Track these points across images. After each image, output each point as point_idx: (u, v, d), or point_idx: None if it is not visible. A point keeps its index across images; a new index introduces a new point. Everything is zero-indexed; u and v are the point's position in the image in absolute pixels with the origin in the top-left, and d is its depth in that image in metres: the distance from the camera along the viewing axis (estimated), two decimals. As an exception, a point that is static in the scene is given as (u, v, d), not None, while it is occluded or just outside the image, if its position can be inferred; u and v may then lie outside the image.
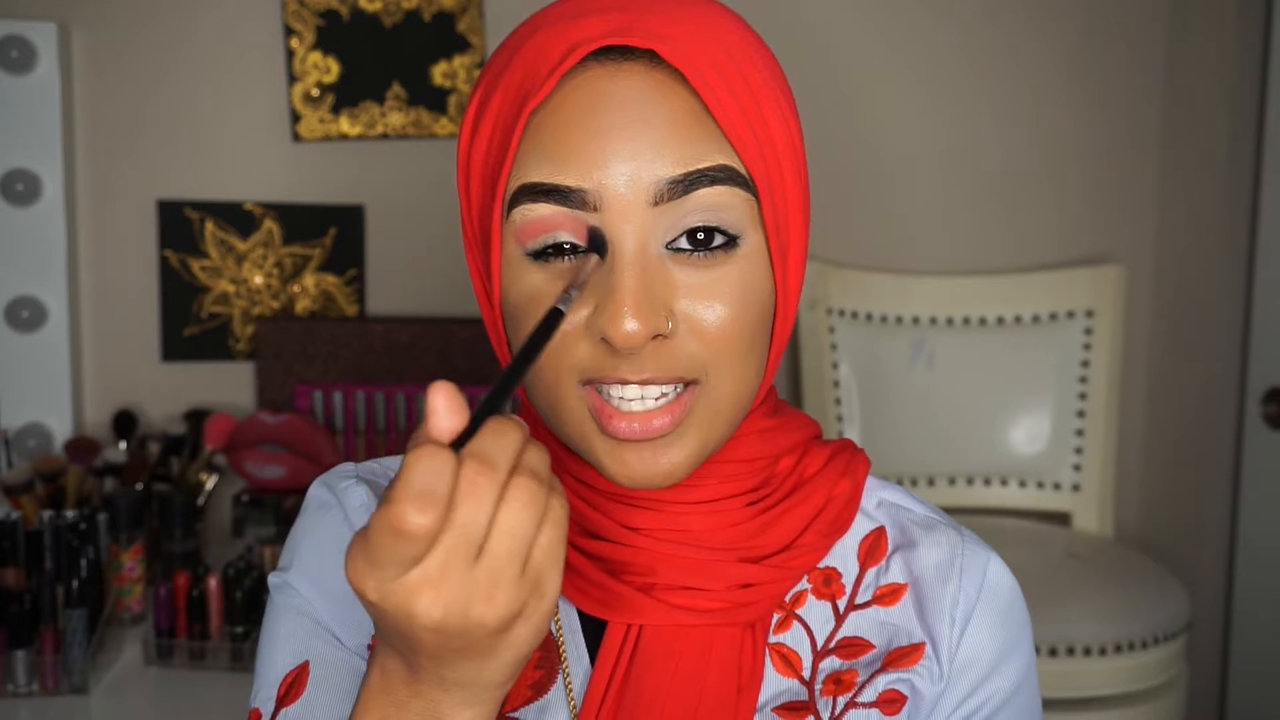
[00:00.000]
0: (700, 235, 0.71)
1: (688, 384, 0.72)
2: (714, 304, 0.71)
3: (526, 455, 0.59)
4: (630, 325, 0.68)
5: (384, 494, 0.56)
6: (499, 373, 0.70)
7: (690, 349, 0.71)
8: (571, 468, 0.79)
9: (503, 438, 0.58)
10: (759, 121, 0.72)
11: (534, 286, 0.72)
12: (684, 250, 0.71)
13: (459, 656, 0.59)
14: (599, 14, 0.72)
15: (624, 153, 0.69)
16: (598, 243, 0.70)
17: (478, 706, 0.62)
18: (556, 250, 0.71)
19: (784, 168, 0.74)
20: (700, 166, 0.70)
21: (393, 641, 0.61)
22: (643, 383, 0.71)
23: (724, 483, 0.78)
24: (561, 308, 0.65)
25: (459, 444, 0.57)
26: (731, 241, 0.72)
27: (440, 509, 0.55)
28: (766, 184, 0.73)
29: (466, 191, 0.76)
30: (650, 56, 0.71)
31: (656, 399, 0.71)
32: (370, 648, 0.81)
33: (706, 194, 0.70)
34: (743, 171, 0.72)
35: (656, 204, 0.70)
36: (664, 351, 0.71)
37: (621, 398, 0.71)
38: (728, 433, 0.75)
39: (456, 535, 0.56)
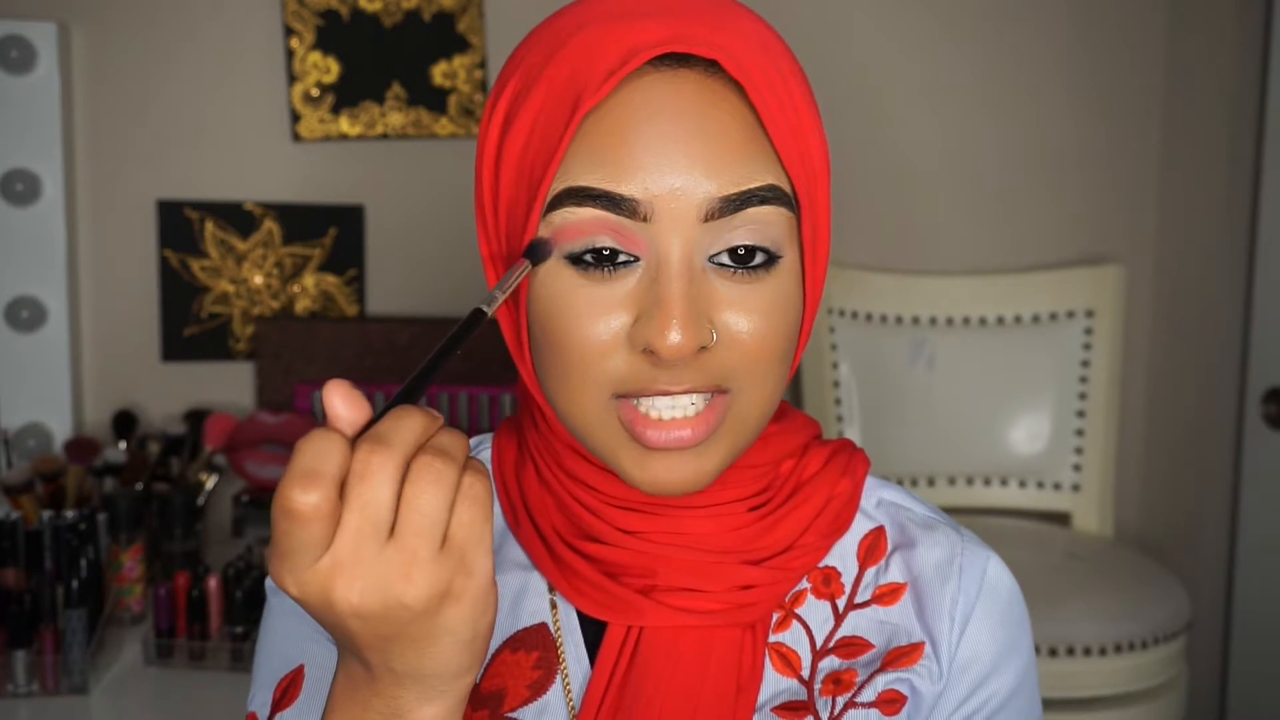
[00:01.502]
0: (742, 252, 0.71)
1: (717, 393, 0.72)
2: (752, 317, 0.71)
3: (436, 438, 0.59)
4: (677, 337, 0.68)
5: None
6: (507, 373, 0.70)
7: (726, 360, 0.71)
8: (574, 470, 0.79)
9: (401, 420, 0.58)
10: (803, 138, 0.72)
11: (575, 296, 0.71)
12: (727, 266, 0.71)
13: (392, 644, 0.59)
14: (652, 17, 0.70)
15: (679, 165, 0.69)
16: (539, 252, 0.70)
17: (438, 701, 0.62)
18: (598, 258, 0.70)
19: (819, 184, 0.74)
20: (751, 186, 0.70)
21: (335, 638, 0.61)
22: (682, 393, 0.71)
23: (727, 488, 0.78)
24: (484, 309, 0.65)
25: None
26: (773, 259, 0.72)
27: (325, 487, 0.55)
28: (809, 201, 0.73)
29: (495, 186, 0.74)
30: (705, 66, 0.70)
31: (688, 406, 0.71)
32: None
33: (755, 212, 0.70)
34: (788, 190, 0.72)
35: (707, 220, 0.69)
36: (702, 362, 0.70)
37: (654, 406, 0.71)
38: (752, 441, 0.75)
39: (359, 515, 0.56)
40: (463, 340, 0.63)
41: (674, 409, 0.71)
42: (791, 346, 0.74)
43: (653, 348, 0.68)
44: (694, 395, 0.71)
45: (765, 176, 0.70)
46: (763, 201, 0.70)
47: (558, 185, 0.70)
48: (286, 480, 0.55)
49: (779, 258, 0.72)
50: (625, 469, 0.72)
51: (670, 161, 0.68)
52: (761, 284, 0.71)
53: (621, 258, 0.70)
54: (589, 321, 0.70)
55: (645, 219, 0.69)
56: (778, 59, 0.73)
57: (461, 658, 0.60)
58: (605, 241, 0.70)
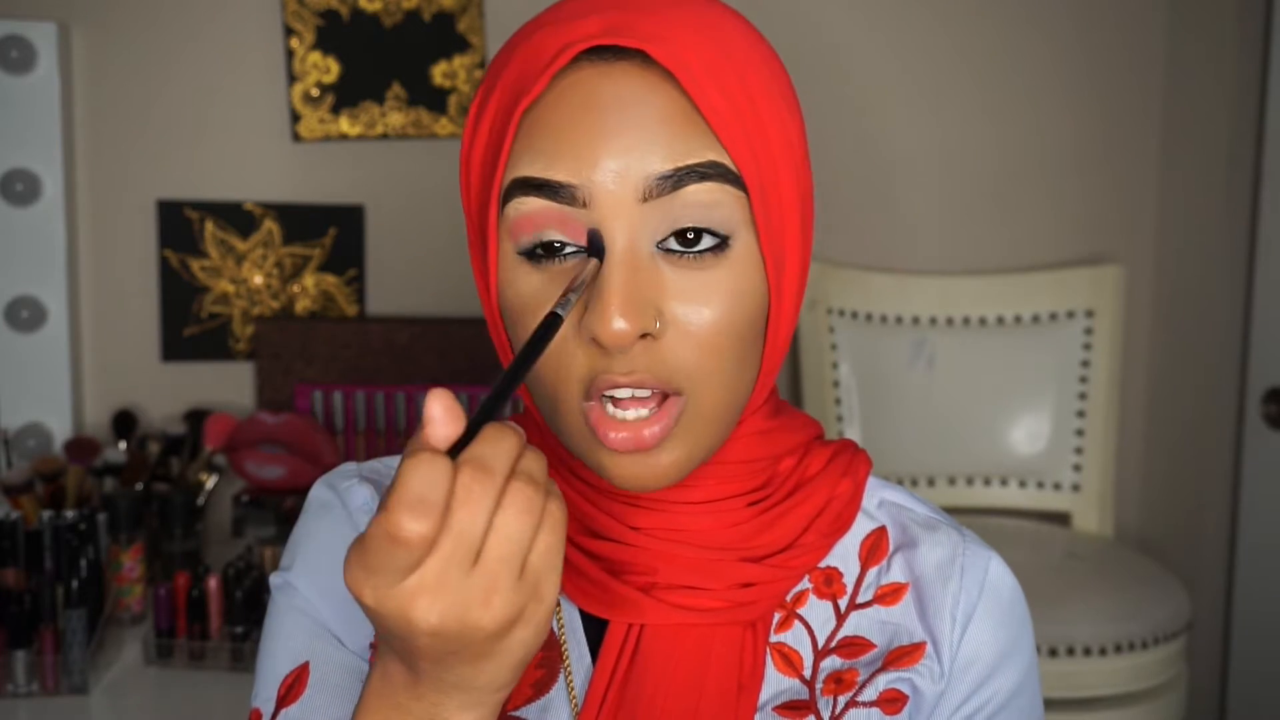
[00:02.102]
0: (690, 235, 0.71)
1: (671, 394, 0.72)
2: (702, 307, 0.71)
3: (524, 460, 0.59)
4: (618, 324, 0.68)
5: (380, 501, 0.57)
6: (500, 372, 0.70)
7: (678, 354, 0.71)
8: (575, 468, 0.80)
9: (499, 443, 0.58)
10: (753, 121, 0.72)
11: (530, 289, 0.72)
12: (674, 251, 0.71)
13: (457, 660, 0.60)
14: (595, 14, 0.72)
15: (614, 149, 0.69)
16: (597, 246, 0.70)
17: (478, 709, 0.62)
18: (548, 250, 0.71)
19: (779, 168, 0.73)
20: (689, 162, 0.70)
21: (392, 645, 0.61)
22: (634, 384, 0.71)
23: (724, 483, 0.78)
24: (560, 312, 0.65)
25: (456, 450, 0.57)
26: (723, 243, 0.71)
27: (435, 516, 0.56)
28: (758, 183, 0.72)
29: (467, 190, 0.77)
30: (643, 57, 0.71)
31: (648, 408, 0.71)
32: (372, 647, 0.81)
33: (696, 190, 0.70)
34: (733, 169, 0.71)
35: (645, 200, 0.70)
36: (653, 353, 0.71)
37: (616, 408, 0.71)
38: (720, 438, 0.75)
39: (453, 541, 0.56)
40: (542, 348, 0.64)
41: (634, 408, 0.71)
42: (752, 339, 0.74)
43: (595, 336, 0.69)
44: (646, 390, 0.71)
45: (705, 154, 0.70)
46: (703, 178, 0.70)
47: (506, 179, 0.72)
48: (396, 504, 0.55)
49: (728, 240, 0.71)
50: (602, 464, 0.73)
51: (605, 146, 0.69)
52: (712, 271, 0.71)
53: (569, 249, 0.71)
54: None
55: (585, 204, 0.70)
56: (727, 45, 0.73)
57: (511, 674, 0.61)
58: (553, 234, 0.71)
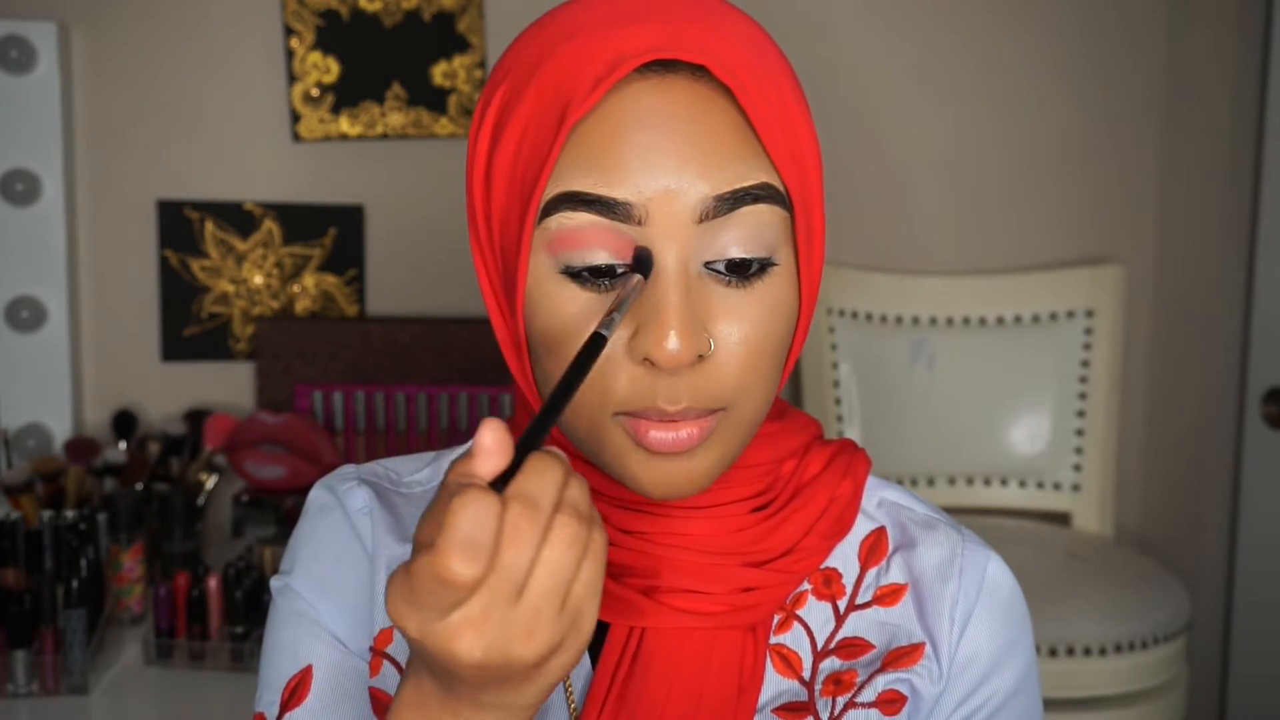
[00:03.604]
0: (738, 262, 0.71)
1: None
2: (747, 326, 0.71)
3: (569, 491, 0.59)
4: (675, 345, 0.68)
5: (427, 534, 0.56)
6: (504, 377, 0.70)
7: (725, 373, 0.71)
8: (577, 471, 0.79)
9: (545, 476, 0.58)
10: (794, 138, 0.72)
11: (576, 308, 0.70)
12: (721, 274, 0.71)
13: (496, 686, 0.60)
14: (640, 23, 0.70)
15: (670, 168, 0.68)
16: (644, 263, 0.69)
17: None
18: (595, 271, 0.70)
19: (812, 183, 0.74)
20: (744, 185, 0.69)
21: (431, 668, 0.61)
22: (679, 415, 0.70)
23: (728, 487, 0.78)
24: (604, 332, 0.65)
25: (502, 480, 0.57)
26: (768, 263, 0.71)
27: (486, 559, 0.56)
28: (802, 201, 0.73)
29: (486, 198, 0.74)
30: (694, 70, 0.70)
31: (692, 428, 0.71)
32: (372, 649, 0.81)
33: (749, 212, 0.70)
34: (782, 189, 0.71)
35: (700, 221, 0.69)
36: (702, 372, 0.70)
37: (658, 426, 0.71)
38: (746, 444, 0.75)
39: (500, 578, 0.56)
40: (587, 370, 0.63)
41: (673, 433, 0.71)
42: (784, 350, 0.74)
43: (651, 357, 0.68)
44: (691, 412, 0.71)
45: (758, 175, 0.70)
46: (756, 200, 0.70)
47: (550, 191, 0.70)
48: (447, 547, 0.55)
49: (774, 264, 0.72)
50: (632, 473, 0.72)
51: (662, 164, 0.68)
52: (756, 291, 0.71)
53: (619, 270, 0.70)
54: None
55: (640, 222, 0.69)
56: (768, 59, 0.73)
57: (546, 693, 0.62)
58: (601, 257, 0.69)
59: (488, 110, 0.74)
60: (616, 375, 0.70)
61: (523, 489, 0.57)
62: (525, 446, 0.58)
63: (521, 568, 0.57)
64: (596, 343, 0.64)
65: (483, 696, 0.61)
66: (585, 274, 0.70)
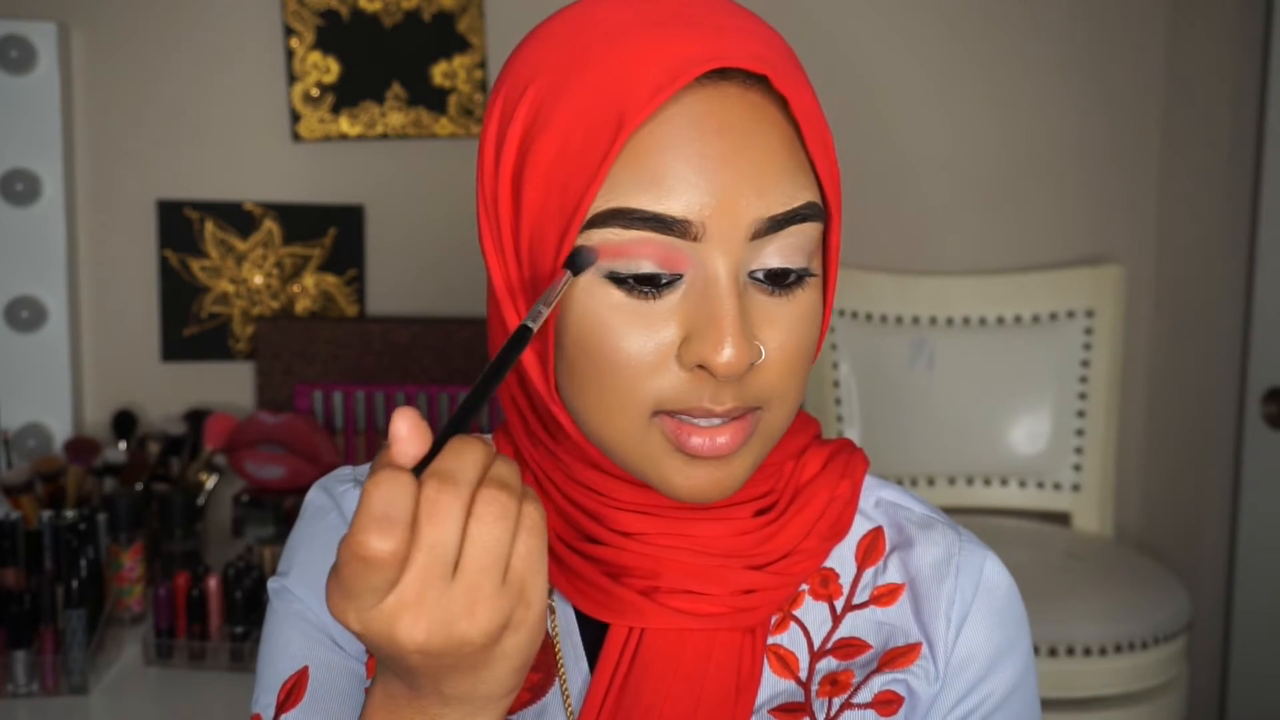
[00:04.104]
0: (778, 273, 0.71)
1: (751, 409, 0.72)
2: (785, 333, 0.71)
3: (494, 469, 0.59)
4: (731, 353, 0.68)
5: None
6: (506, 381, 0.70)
7: (768, 380, 0.71)
8: (583, 478, 0.78)
9: (464, 455, 0.58)
10: (830, 149, 0.73)
11: (616, 313, 0.70)
12: (763, 283, 0.71)
13: (453, 672, 0.59)
14: (691, 28, 0.70)
15: (728, 183, 0.68)
16: (578, 262, 0.69)
17: (481, 717, 0.62)
18: (640, 279, 0.69)
19: (838, 193, 0.75)
20: (795, 206, 0.70)
21: (388, 664, 0.61)
22: (725, 415, 0.71)
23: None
24: (530, 324, 0.65)
25: (422, 467, 0.57)
26: (805, 274, 0.72)
27: (401, 532, 0.55)
28: (836, 213, 0.74)
29: (515, 201, 0.72)
30: (744, 79, 0.69)
31: (731, 433, 0.72)
32: (368, 651, 0.81)
33: (797, 229, 0.71)
34: (821, 204, 0.72)
35: (754, 238, 0.70)
36: (749, 380, 0.71)
37: (698, 431, 0.71)
38: (772, 448, 0.76)
39: (427, 555, 0.56)
40: (512, 360, 0.63)
41: (714, 439, 0.71)
42: (813, 357, 0.75)
43: (708, 365, 0.68)
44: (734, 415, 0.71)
45: (806, 194, 0.71)
46: (804, 219, 0.71)
47: (600, 205, 0.69)
48: (361, 525, 0.55)
49: (812, 275, 0.73)
50: (667, 477, 0.72)
51: (719, 179, 0.68)
52: (794, 300, 0.72)
53: (665, 279, 0.69)
54: (635, 339, 0.70)
55: (695, 239, 0.69)
56: (800, 67, 0.73)
57: (512, 680, 0.61)
58: (649, 267, 0.69)
59: (516, 110, 0.72)
60: (663, 377, 0.70)
61: (439, 467, 0.57)
62: (446, 434, 0.58)
63: (449, 545, 0.56)
64: (523, 335, 0.64)
65: (444, 688, 0.60)
66: (631, 280, 0.70)
